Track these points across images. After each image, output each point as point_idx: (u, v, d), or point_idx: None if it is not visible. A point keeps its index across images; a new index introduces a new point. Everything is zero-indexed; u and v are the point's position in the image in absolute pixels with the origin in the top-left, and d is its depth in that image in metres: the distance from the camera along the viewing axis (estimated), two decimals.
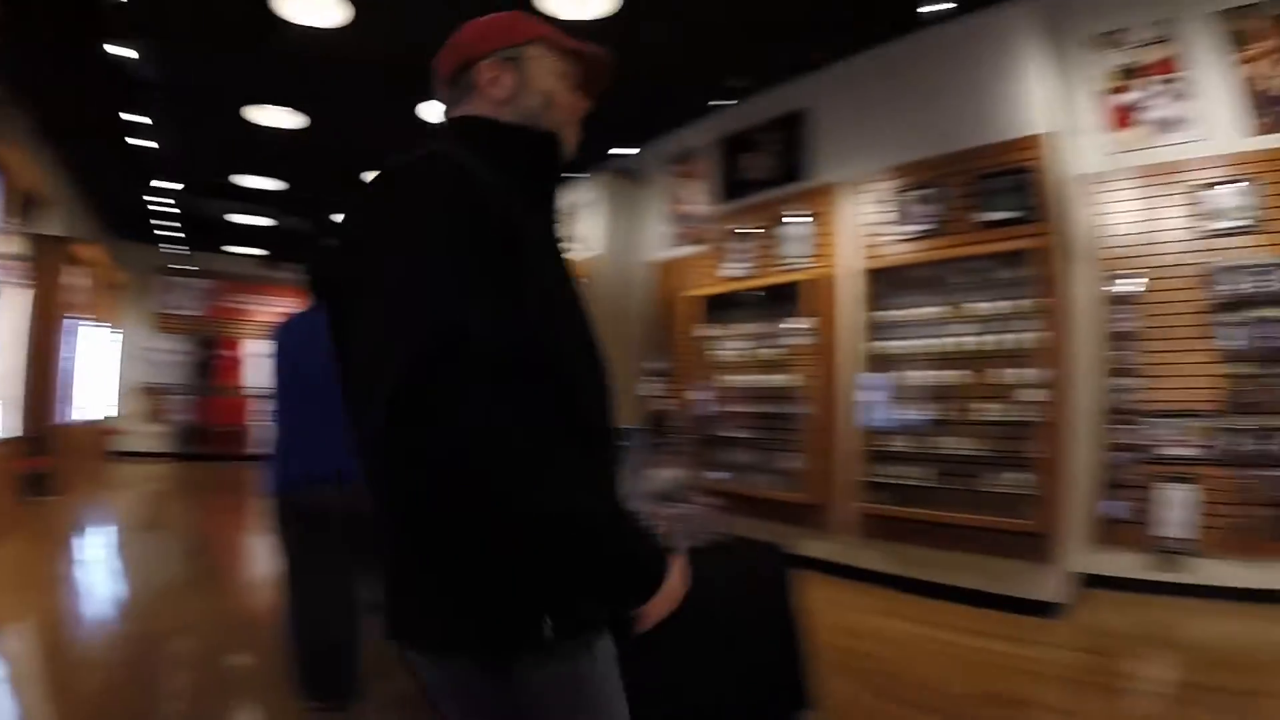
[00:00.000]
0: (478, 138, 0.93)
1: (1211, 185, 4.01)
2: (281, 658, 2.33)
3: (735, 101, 5.81)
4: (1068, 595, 3.92)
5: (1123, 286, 4.18)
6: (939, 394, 4.37)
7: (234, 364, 12.18)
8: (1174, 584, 3.96)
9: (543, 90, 0.98)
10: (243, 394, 11.94)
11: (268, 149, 7.27)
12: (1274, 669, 3.06)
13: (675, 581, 0.83)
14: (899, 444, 4.49)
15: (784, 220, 5.32)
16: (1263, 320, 3.76)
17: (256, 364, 11.30)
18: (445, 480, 0.68)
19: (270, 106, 6.26)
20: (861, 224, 4.85)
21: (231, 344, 12.27)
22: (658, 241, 6.86)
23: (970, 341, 4.23)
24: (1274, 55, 3.95)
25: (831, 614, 3.74)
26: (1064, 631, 3.66)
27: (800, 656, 2.42)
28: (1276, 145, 3.87)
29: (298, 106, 6.30)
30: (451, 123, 0.99)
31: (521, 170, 0.92)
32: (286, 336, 2.30)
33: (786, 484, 5.00)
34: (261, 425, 4.90)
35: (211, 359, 12.06)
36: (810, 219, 5.15)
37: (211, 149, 7.51)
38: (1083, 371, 4.17)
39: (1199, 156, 4.09)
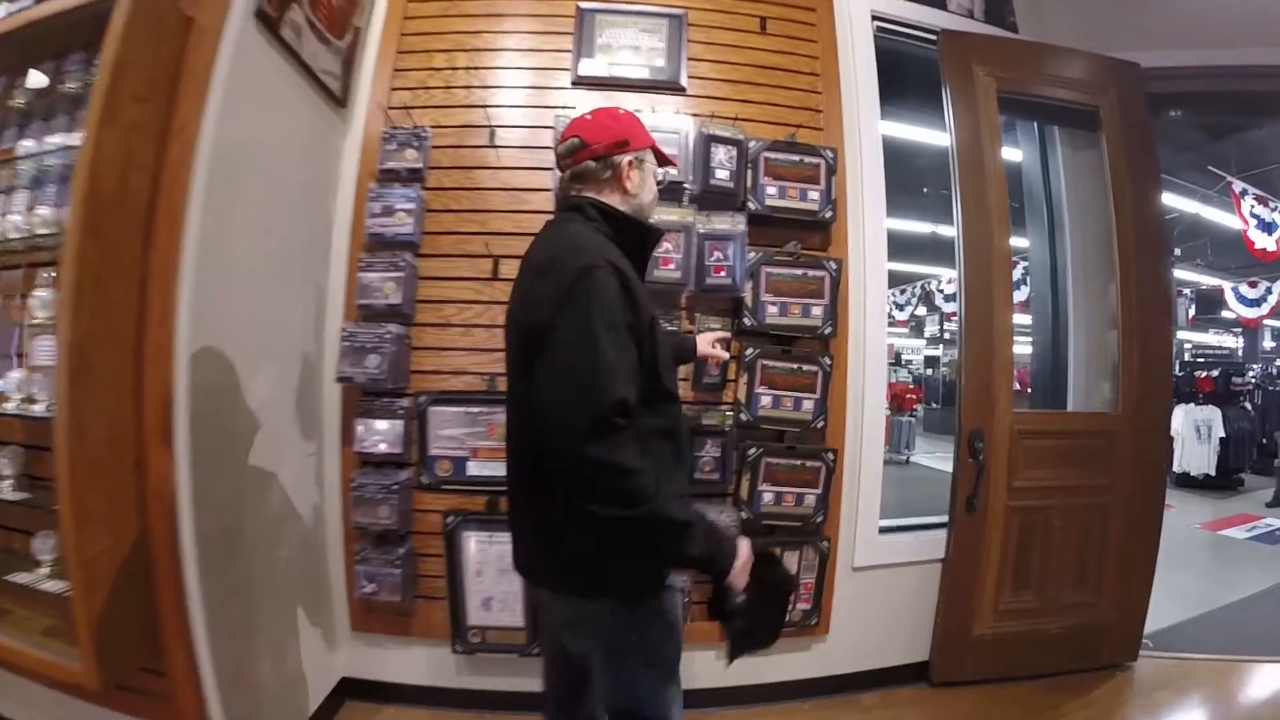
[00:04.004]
0: (616, 224, 1.20)
1: None
2: None
3: None
4: None
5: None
6: None
7: None
8: None
9: (651, 190, 1.27)
10: None
11: None
12: None
13: (744, 558, 1.10)
14: None
15: None
16: None
17: None
18: (609, 491, 1.01)
19: None
20: None
21: None
22: None
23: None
24: None
25: None
26: None
27: None
28: None
29: None
30: (594, 204, 1.20)
31: (636, 253, 1.21)
32: None
33: None
34: None
35: None
36: None
37: None
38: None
39: None
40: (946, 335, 11.35)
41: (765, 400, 1.97)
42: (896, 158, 2.48)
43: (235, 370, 1.63)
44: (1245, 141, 6.26)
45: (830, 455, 2.00)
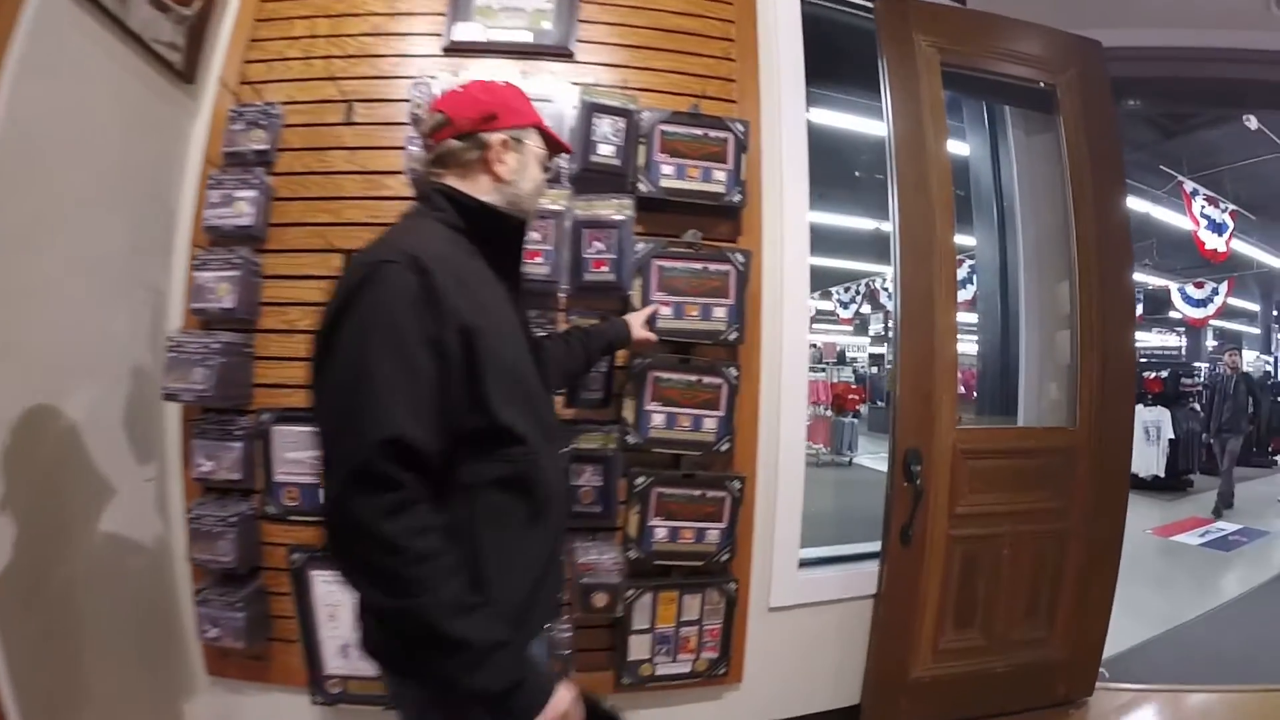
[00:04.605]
0: (464, 212, 0.95)
1: None
2: None
3: None
4: None
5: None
6: None
7: None
8: None
9: (534, 179, 1.02)
10: None
11: None
12: None
13: (558, 711, 0.81)
14: None
15: None
16: None
17: None
18: (364, 567, 0.77)
19: None
20: None
21: None
22: None
23: None
24: None
25: None
26: None
27: None
28: None
29: None
30: (442, 191, 0.97)
31: (499, 252, 0.98)
32: None
33: None
34: None
35: None
36: None
37: None
38: None
39: None
40: (891, 334, 11.17)
41: (657, 419, 1.61)
42: (841, 149, 2.17)
43: (40, 389, 1.34)
44: (1197, 141, 6.09)
45: (737, 484, 1.66)
